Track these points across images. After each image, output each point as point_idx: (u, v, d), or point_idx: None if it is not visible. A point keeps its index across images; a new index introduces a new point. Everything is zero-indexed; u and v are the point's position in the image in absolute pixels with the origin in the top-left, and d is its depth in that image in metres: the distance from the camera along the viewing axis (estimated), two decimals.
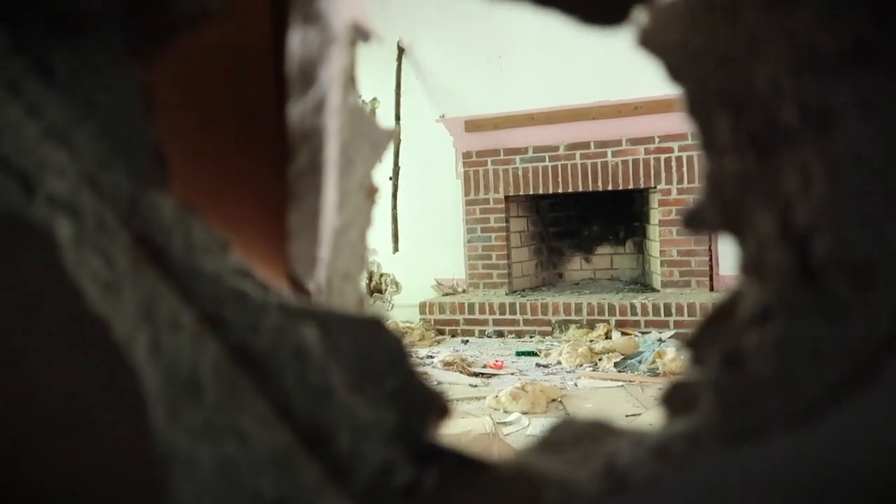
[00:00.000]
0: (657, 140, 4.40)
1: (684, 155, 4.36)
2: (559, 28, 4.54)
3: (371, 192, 0.79)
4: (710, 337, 0.38)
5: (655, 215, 4.52)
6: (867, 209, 0.32)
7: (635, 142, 4.46)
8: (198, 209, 0.47)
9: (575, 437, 0.41)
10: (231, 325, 0.44)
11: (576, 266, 5.17)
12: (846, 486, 0.33)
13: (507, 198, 4.78)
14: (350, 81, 0.66)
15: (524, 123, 4.66)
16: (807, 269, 0.34)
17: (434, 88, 4.93)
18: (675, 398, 0.38)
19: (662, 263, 4.46)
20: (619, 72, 4.36)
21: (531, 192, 4.74)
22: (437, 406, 0.42)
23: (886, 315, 0.32)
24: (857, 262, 0.32)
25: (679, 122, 4.32)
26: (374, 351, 0.44)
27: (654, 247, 4.60)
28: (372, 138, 0.75)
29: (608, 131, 4.51)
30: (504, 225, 4.79)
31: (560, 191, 4.67)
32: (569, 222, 5.17)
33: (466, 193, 4.85)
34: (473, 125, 4.79)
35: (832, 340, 0.33)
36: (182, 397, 0.42)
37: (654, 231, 4.57)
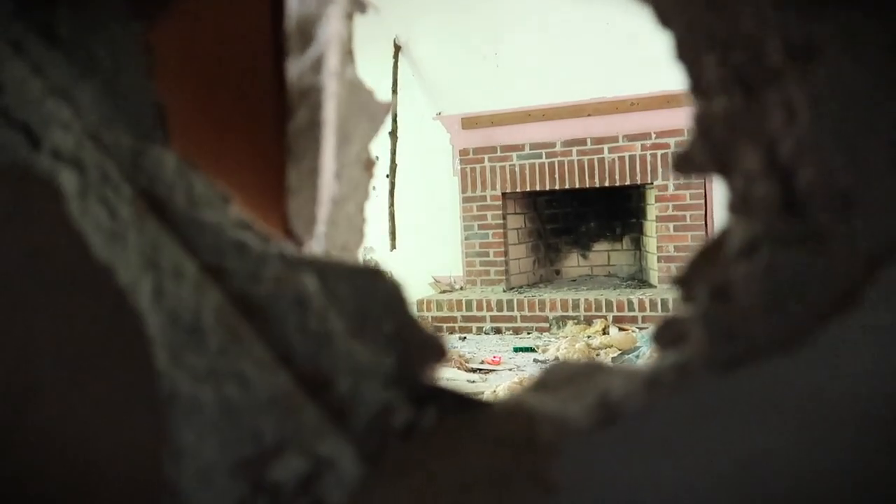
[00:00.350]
0: (654, 136, 4.41)
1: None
2: (556, 24, 4.56)
3: (369, 165, 0.80)
4: (698, 273, 0.39)
5: (652, 211, 4.54)
6: (848, 139, 0.33)
7: (632, 138, 4.47)
8: (199, 165, 0.48)
9: (569, 376, 0.42)
10: (232, 275, 0.45)
11: (573, 262, 5.18)
12: (834, 406, 0.34)
13: (504, 195, 4.79)
14: (348, 54, 0.67)
15: (521, 120, 4.67)
16: (791, 201, 0.35)
17: (431, 86, 4.95)
18: (666, 334, 0.39)
19: (659, 259, 4.48)
20: (615, 68, 4.38)
21: (528, 189, 4.75)
22: (433, 349, 0.43)
23: (866, 240, 0.33)
24: (838, 190, 0.34)
25: (675, 119, 4.34)
26: (372, 298, 0.45)
27: (650, 243, 4.61)
28: (369, 111, 0.76)
29: (605, 128, 4.52)
30: (501, 222, 4.80)
31: (557, 187, 4.68)
32: (566, 219, 5.18)
33: (463, 190, 4.86)
34: (470, 122, 4.80)
35: (816, 267, 0.34)
36: (185, 342, 0.43)
37: (650, 227, 4.59)
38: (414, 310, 0.44)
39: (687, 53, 0.38)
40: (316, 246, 0.65)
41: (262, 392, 0.42)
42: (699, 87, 0.39)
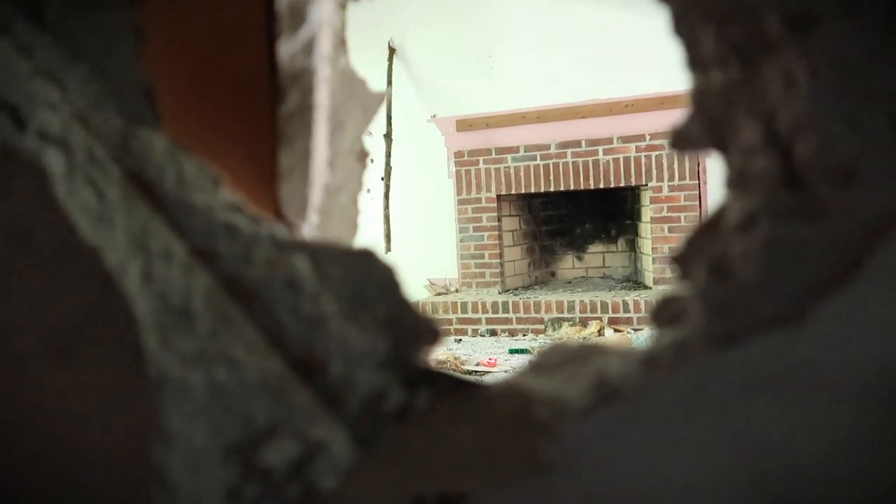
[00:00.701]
0: (648, 138, 4.42)
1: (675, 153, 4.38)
2: (550, 27, 4.57)
3: (362, 155, 0.79)
4: (696, 251, 0.38)
5: (647, 213, 4.54)
6: (848, 109, 0.33)
7: (626, 140, 4.48)
8: (189, 147, 0.48)
9: (566, 358, 0.42)
10: (223, 257, 0.45)
11: (568, 264, 5.18)
12: (834, 380, 0.33)
13: (499, 197, 4.78)
14: (340, 42, 0.66)
15: (515, 122, 4.68)
16: (790, 174, 0.35)
17: (425, 88, 4.95)
18: (664, 312, 0.38)
19: (654, 261, 4.48)
20: (610, 70, 4.38)
21: (523, 191, 4.75)
22: (427, 332, 0.42)
23: (866, 212, 0.32)
24: (838, 161, 0.33)
25: (670, 120, 4.34)
26: (366, 281, 0.44)
27: (645, 244, 4.61)
28: (362, 101, 0.75)
29: (599, 129, 4.53)
30: (496, 224, 4.80)
31: (552, 189, 4.68)
32: (561, 221, 5.18)
33: (458, 193, 4.85)
34: (465, 124, 4.80)
35: (815, 240, 0.33)
36: (174, 325, 0.42)
37: (645, 228, 4.59)
38: (407, 293, 0.43)
39: (684, 27, 0.38)
40: (309, 235, 0.64)
41: (253, 376, 0.41)
42: (696, 61, 0.38)
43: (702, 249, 0.38)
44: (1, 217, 0.43)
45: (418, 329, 0.42)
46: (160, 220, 0.45)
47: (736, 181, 0.37)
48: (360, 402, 0.41)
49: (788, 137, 0.34)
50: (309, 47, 0.51)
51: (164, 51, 0.49)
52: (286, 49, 0.50)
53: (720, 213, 0.38)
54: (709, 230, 0.38)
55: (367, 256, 0.45)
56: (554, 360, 0.42)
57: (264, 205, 0.53)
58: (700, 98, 0.38)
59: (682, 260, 0.39)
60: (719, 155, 0.38)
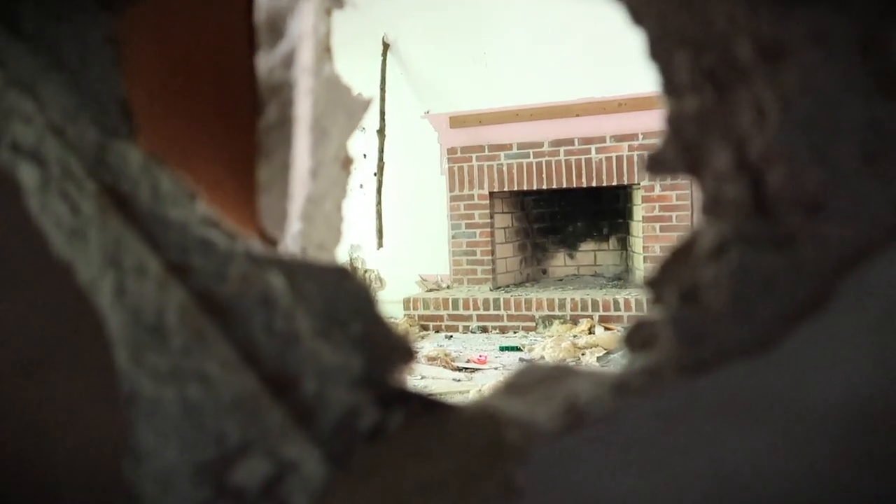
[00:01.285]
0: (641, 137, 4.42)
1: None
2: (545, 24, 4.56)
3: (347, 162, 0.79)
4: (668, 275, 0.38)
5: (639, 212, 4.55)
6: (818, 140, 0.33)
7: (619, 139, 4.48)
8: (166, 161, 0.47)
9: (538, 379, 0.42)
10: (197, 273, 0.44)
11: (560, 262, 5.19)
12: (802, 410, 0.33)
13: (491, 194, 4.78)
14: (325, 50, 0.66)
15: (509, 120, 4.67)
16: (760, 202, 0.35)
17: (419, 84, 4.93)
18: (637, 337, 0.39)
19: (645, 260, 4.49)
20: (603, 68, 4.38)
21: (516, 189, 4.75)
22: (402, 351, 0.42)
23: (835, 242, 0.33)
24: (808, 192, 0.33)
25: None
26: (341, 298, 0.44)
27: (637, 243, 4.62)
28: (347, 108, 0.75)
29: (592, 128, 4.53)
30: (488, 221, 4.80)
31: (544, 187, 4.68)
32: (553, 219, 5.19)
33: (451, 189, 4.85)
34: (458, 121, 4.80)
35: (785, 269, 0.33)
36: (147, 341, 0.42)
37: (637, 227, 4.60)
38: (382, 311, 0.43)
39: (659, 53, 0.38)
40: (292, 244, 0.64)
41: (225, 393, 0.41)
42: (671, 87, 0.38)
43: (674, 274, 0.38)
44: None
45: (392, 348, 0.42)
46: (134, 234, 0.45)
47: (709, 207, 0.37)
48: (333, 420, 0.41)
49: (759, 166, 0.34)
50: (289, 60, 0.51)
51: (143, 62, 0.48)
52: (265, 62, 0.49)
53: (693, 238, 0.38)
54: (682, 255, 0.38)
55: (341, 273, 0.45)
56: (527, 381, 0.42)
57: (243, 218, 0.53)
58: (675, 123, 0.38)
59: (656, 284, 0.39)
60: (694, 180, 0.38)
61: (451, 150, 4.84)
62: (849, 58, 0.33)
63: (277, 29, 0.49)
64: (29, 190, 0.44)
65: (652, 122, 4.33)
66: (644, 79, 4.24)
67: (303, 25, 0.52)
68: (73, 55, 0.49)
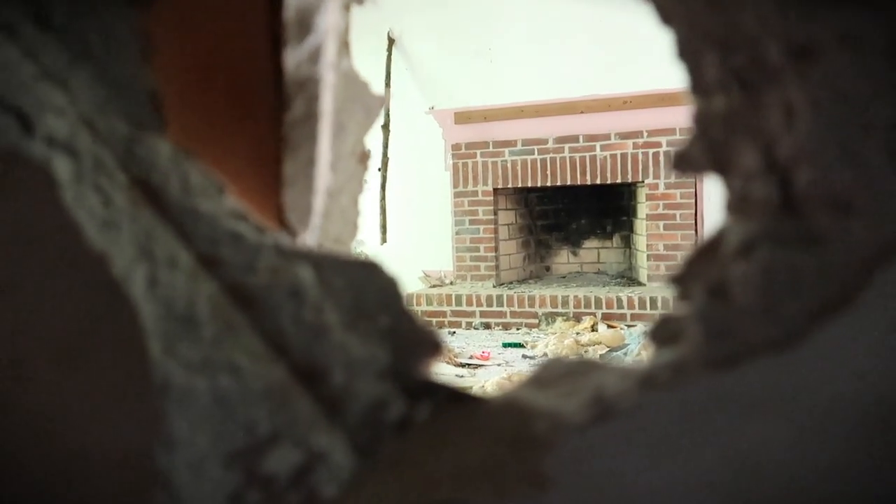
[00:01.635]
0: (646, 134, 4.43)
1: (672, 150, 4.39)
2: (551, 20, 4.56)
3: (363, 157, 0.79)
4: (695, 272, 0.39)
5: (643, 210, 4.55)
6: (847, 141, 0.34)
7: (624, 136, 4.48)
8: (194, 154, 0.48)
9: (563, 373, 0.42)
10: (227, 265, 0.45)
11: (563, 259, 5.19)
12: (827, 406, 0.34)
13: (495, 190, 4.79)
14: (344, 45, 0.67)
15: (514, 116, 4.67)
16: (789, 201, 0.35)
17: (424, 80, 4.94)
18: (662, 332, 0.39)
19: (649, 258, 4.49)
20: (609, 65, 4.38)
21: (520, 185, 4.75)
22: (429, 344, 0.43)
23: (863, 242, 0.33)
24: (837, 192, 0.34)
25: (668, 117, 4.35)
26: (368, 291, 0.44)
27: (640, 241, 4.63)
28: (364, 103, 0.75)
29: (597, 125, 4.53)
30: (492, 217, 4.80)
31: (549, 184, 4.68)
32: (557, 216, 5.19)
33: (455, 185, 4.86)
34: (463, 117, 4.80)
35: (812, 268, 0.34)
36: (179, 332, 0.42)
37: (641, 225, 4.60)
38: (409, 305, 0.44)
39: (688, 52, 0.38)
40: (310, 238, 0.65)
41: (255, 383, 0.42)
42: (699, 86, 0.39)
43: (701, 271, 0.38)
44: (8, 221, 0.44)
45: (420, 340, 0.43)
46: (165, 226, 0.45)
47: (736, 205, 0.38)
48: (361, 411, 0.42)
49: (788, 165, 0.35)
50: (315, 55, 0.52)
51: (169, 56, 0.49)
52: (293, 57, 0.50)
53: (720, 236, 0.39)
54: (708, 252, 0.39)
55: (370, 267, 0.45)
56: (551, 375, 0.42)
57: (267, 212, 0.53)
58: (702, 122, 0.39)
59: (681, 280, 0.39)
60: (720, 179, 0.39)
61: (456, 146, 4.84)
62: (877, 59, 0.33)
63: (305, 24, 0.50)
64: (63, 182, 0.44)
65: (657, 120, 4.33)
66: (650, 76, 4.24)
67: (328, 20, 0.52)
68: (101, 48, 0.49)
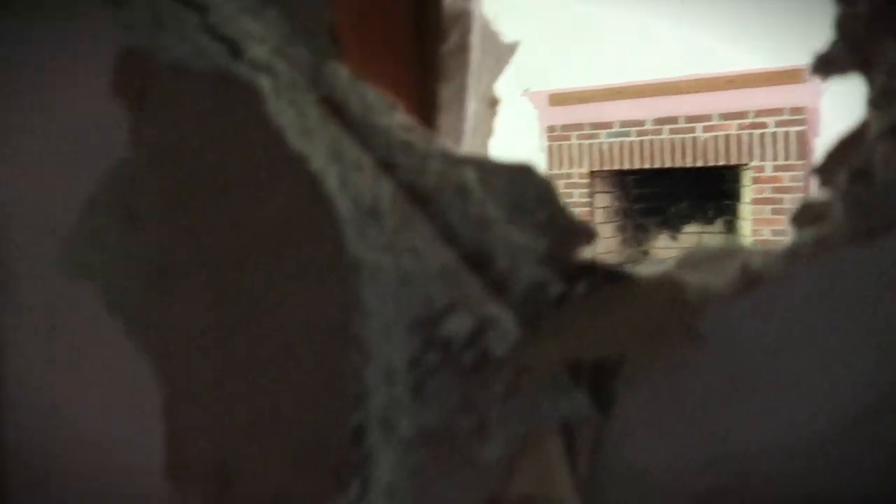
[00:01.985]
0: (752, 115, 4.29)
1: (780, 131, 4.24)
2: None
3: (493, 102, 0.85)
4: (836, 160, 0.42)
5: (748, 193, 4.42)
6: None
7: (727, 117, 4.36)
8: (365, 78, 0.55)
9: (708, 258, 0.47)
10: (402, 169, 0.52)
11: (662, 244, 5.11)
12: None
13: (592, 173, 4.76)
14: None
15: (610, 97, 4.63)
16: None
17: (518, 62, 4.95)
18: (805, 214, 0.43)
19: (755, 243, 4.36)
20: (711, 44, 4.27)
21: (616, 168, 4.71)
22: (584, 233, 0.48)
23: None
24: None
25: (776, 97, 4.20)
26: (526, 190, 0.50)
27: (746, 226, 4.50)
28: (496, 50, 0.81)
29: (698, 106, 4.43)
30: (588, 200, 4.78)
31: (647, 166, 4.62)
32: (655, 199, 5.11)
33: (550, 168, 4.86)
34: (558, 99, 4.79)
35: None
36: (367, 221, 0.50)
37: (745, 210, 4.47)
38: (564, 201, 0.49)
39: None
40: None
41: (432, 264, 0.48)
42: None
43: (843, 158, 0.42)
44: (224, 130, 0.52)
45: (575, 230, 0.49)
46: (349, 137, 0.53)
47: (878, 101, 0.41)
48: (524, 290, 0.48)
49: None
50: None
51: None
52: None
53: (861, 128, 0.42)
54: (849, 142, 0.42)
55: (526, 170, 0.51)
56: (696, 259, 0.47)
57: None
58: (845, 25, 0.42)
59: (823, 169, 0.43)
60: (862, 76, 0.42)
61: (551, 129, 4.84)
62: None
63: None
64: (266, 96, 0.52)
65: (763, 100, 4.19)
66: (756, 54, 4.11)
67: None
68: None
